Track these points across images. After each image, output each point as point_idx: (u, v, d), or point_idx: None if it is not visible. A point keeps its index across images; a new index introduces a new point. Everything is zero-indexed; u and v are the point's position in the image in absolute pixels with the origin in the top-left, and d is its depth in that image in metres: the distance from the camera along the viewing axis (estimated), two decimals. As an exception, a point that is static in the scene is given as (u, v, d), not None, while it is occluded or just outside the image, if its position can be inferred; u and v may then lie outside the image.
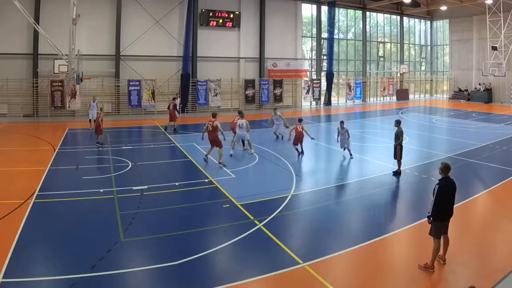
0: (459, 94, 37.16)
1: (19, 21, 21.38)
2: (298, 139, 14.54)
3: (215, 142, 13.16)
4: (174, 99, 20.81)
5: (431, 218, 6.61)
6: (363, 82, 35.69)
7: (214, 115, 13.52)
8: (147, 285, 6.33)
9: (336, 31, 33.84)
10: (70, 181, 11.32)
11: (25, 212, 8.83)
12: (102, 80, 24.60)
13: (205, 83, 27.50)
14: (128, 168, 12.77)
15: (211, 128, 13.06)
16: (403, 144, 12.25)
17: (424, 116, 27.33)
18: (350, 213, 9.47)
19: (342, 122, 14.55)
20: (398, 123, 12.38)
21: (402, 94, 38.24)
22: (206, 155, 13.41)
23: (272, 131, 18.01)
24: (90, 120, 20.10)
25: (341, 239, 7.89)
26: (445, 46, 40.84)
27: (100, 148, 15.65)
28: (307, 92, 32.20)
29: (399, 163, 12.23)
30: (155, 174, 12.46)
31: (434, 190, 6.60)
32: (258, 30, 29.96)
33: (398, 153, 12.13)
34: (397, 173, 12.18)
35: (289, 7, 31.33)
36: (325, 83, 33.25)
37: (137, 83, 25.52)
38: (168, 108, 20.05)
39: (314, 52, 34.46)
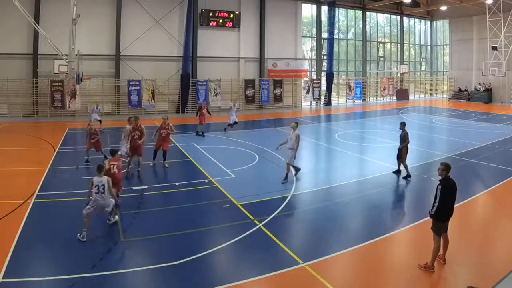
0: (459, 94, 37.15)
1: (19, 21, 21.38)
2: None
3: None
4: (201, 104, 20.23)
5: (433, 218, 6.62)
6: (363, 82, 35.68)
7: None
8: (147, 285, 6.33)
9: (336, 31, 33.83)
10: (70, 181, 11.32)
11: (25, 212, 8.83)
12: (102, 80, 24.60)
13: (205, 83, 27.50)
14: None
15: None
16: (408, 146, 12.07)
17: (424, 116, 27.31)
18: (350, 213, 9.46)
19: (295, 123, 11.70)
20: (403, 125, 12.19)
21: (402, 94, 38.23)
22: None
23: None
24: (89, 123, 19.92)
25: (341, 239, 7.89)
26: (445, 46, 40.83)
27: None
28: (307, 92, 32.21)
29: (404, 165, 11.99)
30: (155, 174, 12.46)
31: (436, 191, 6.60)
32: (258, 30, 29.97)
33: (403, 156, 11.91)
34: (397, 172, 12.14)
35: (289, 7, 31.33)
36: (325, 83, 33.25)
37: (137, 83, 25.51)
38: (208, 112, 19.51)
39: (314, 52, 34.47)
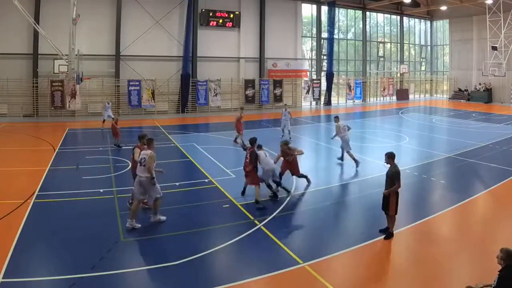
0: (459, 94, 37.15)
1: (19, 21, 21.38)
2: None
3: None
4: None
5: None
6: (363, 82, 35.68)
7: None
8: (147, 285, 6.33)
9: (336, 31, 33.82)
10: (70, 181, 11.31)
11: (25, 212, 8.83)
12: (102, 80, 24.60)
13: (205, 83, 27.50)
14: (128, 168, 12.72)
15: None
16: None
17: (424, 116, 27.30)
18: (350, 213, 9.47)
19: (336, 118, 14.03)
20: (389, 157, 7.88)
21: (402, 94, 38.24)
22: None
23: None
24: (103, 121, 20.01)
25: (341, 239, 7.89)
26: (445, 46, 40.83)
27: (119, 148, 15.63)
28: (307, 92, 32.21)
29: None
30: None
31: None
32: (258, 30, 29.96)
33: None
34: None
35: (289, 7, 31.32)
36: (325, 83, 33.26)
37: (137, 83, 25.52)
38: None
39: (314, 52, 34.47)
